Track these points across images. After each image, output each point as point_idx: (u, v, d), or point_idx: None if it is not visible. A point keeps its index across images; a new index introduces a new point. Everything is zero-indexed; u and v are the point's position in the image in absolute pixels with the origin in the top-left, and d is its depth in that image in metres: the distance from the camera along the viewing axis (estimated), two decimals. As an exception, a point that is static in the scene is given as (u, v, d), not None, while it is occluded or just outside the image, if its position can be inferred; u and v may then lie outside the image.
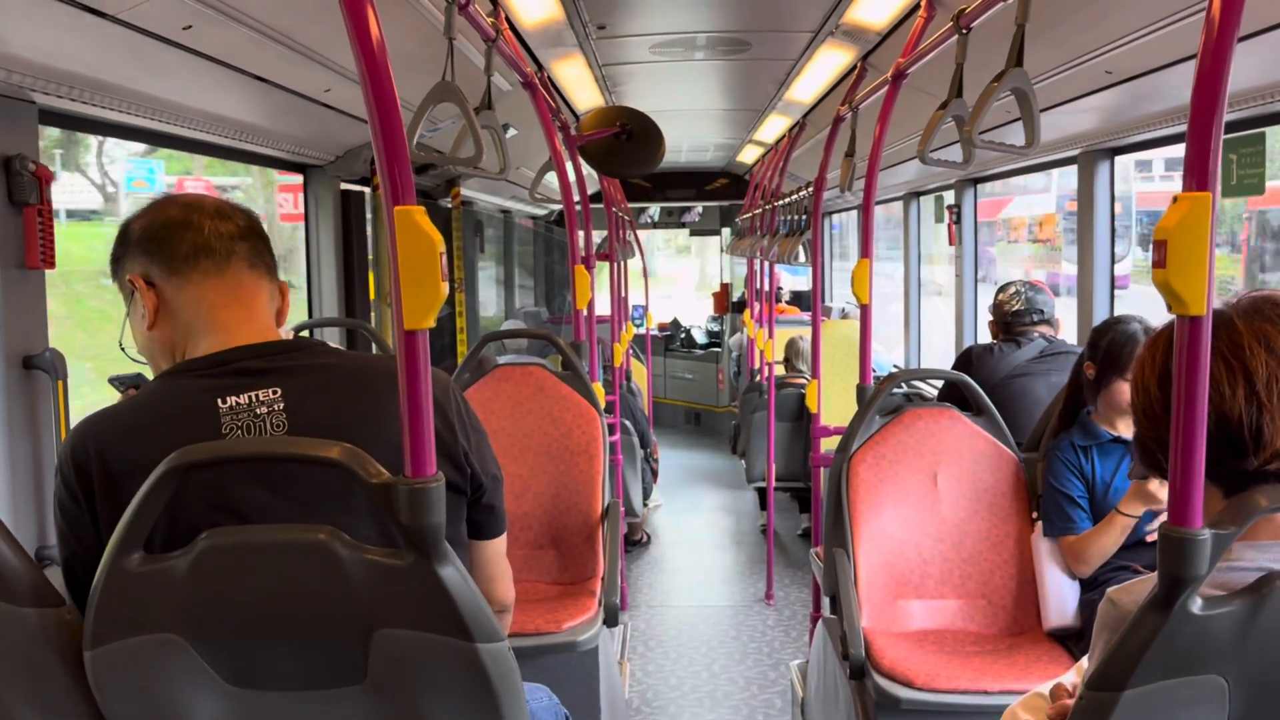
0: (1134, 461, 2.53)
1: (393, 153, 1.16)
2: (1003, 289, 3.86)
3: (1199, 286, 1.08)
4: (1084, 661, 1.44)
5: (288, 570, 1.28)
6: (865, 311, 3.39)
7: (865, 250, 3.34)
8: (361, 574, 1.26)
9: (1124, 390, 2.72)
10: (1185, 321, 1.09)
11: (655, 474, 7.06)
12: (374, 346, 3.83)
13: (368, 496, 1.23)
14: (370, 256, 4.40)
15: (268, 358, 1.48)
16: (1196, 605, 1.13)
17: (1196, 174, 1.08)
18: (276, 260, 1.61)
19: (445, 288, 1.17)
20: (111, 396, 1.97)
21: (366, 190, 4.20)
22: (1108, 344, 2.76)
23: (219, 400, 1.43)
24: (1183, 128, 3.10)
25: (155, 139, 2.85)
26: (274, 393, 1.44)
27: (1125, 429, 2.79)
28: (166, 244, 1.50)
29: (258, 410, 1.43)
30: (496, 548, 1.68)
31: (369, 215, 4.30)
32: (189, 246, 1.50)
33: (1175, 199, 1.09)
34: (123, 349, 1.60)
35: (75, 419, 2.32)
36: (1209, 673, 1.16)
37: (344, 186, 4.03)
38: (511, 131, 4.50)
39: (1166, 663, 1.15)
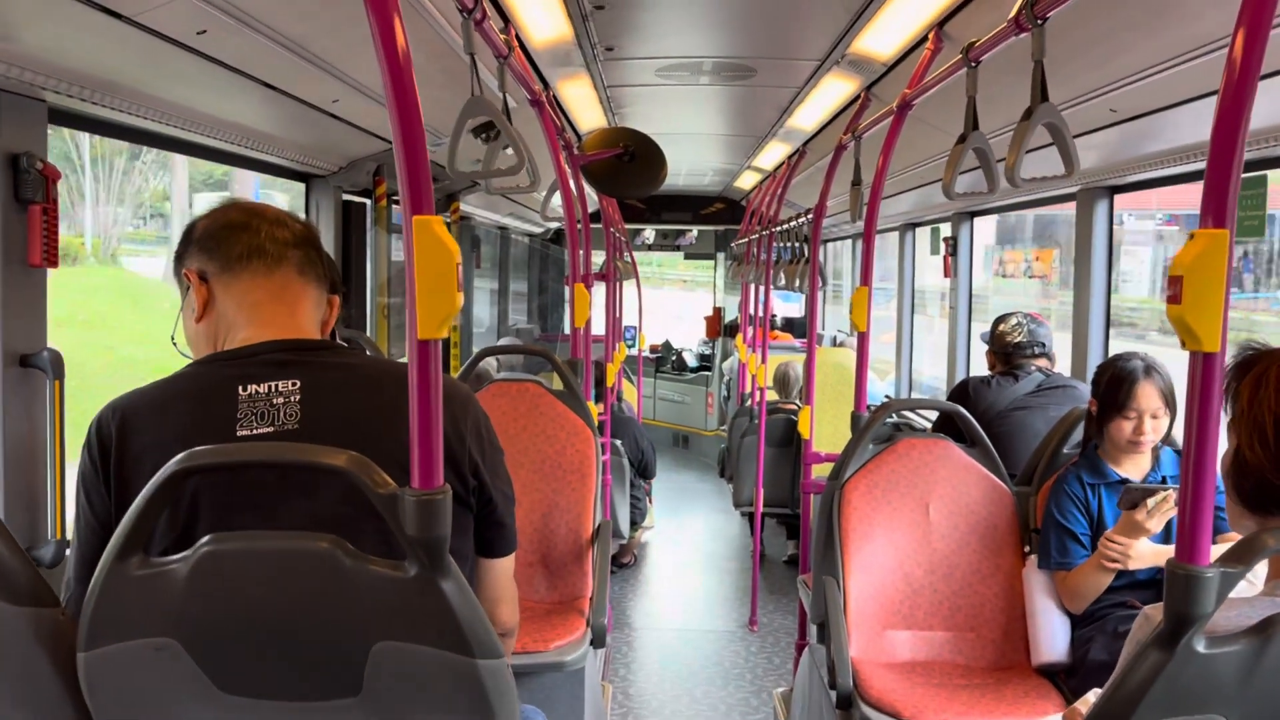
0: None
1: (413, 163, 1.16)
2: (1003, 319, 3.86)
3: (1214, 323, 1.08)
4: (1091, 696, 1.44)
5: (289, 578, 1.27)
6: (863, 339, 3.40)
7: (865, 278, 3.35)
8: (363, 585, 1.25)
9: (1123, 428, 2.73)
10: (1199, 358, 1.10)
11: (650, 497, 7.06)
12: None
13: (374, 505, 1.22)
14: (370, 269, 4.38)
15: (294, 352, 1.53)
16: (1201, 644, 1.13)
17: (1214, 211, 1.09)
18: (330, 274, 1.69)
19: (460, 298, 1.17)
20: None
21: (368, 201, 4.20)
22: (1107, 381, 2.76)
23: (240, 387, 1.48)
24: (1182, 168, 3.13)
25: (162, 143, 2.84)
26: (293, 384, 1.49)
27: (1129, 467, 2.80)
28: (224, 243, 1.58)
29: (274, 400, 1.47)
30: (504, 567, 1.68)
31: (369, 227, 4.30)
32: (243, 247, 1.58)
33: (1192, 235, 1.10)
34: (174, 342, 1.67)
35: (70, 420, 2.31)
36: (1210, 712, 1.16)
37: (345, 197, 4.02)
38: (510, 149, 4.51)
39: (1168, 700, 1.15)
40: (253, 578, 1.28)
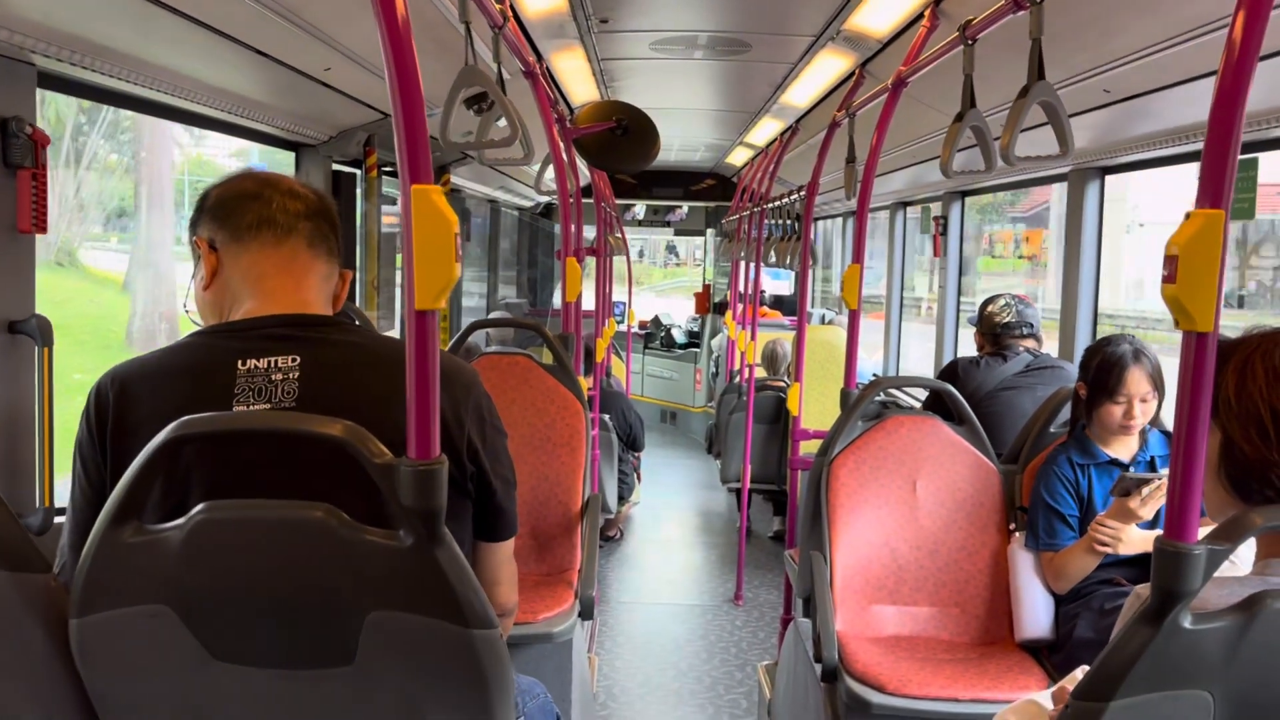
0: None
1: (413, 131, 1.15)
2: (991, 301, 3.88)
3: (1208, 303, 1.09)
4: (1079, 672, 1.45)
5: (283, 547, 1.27)
6: (854, 316, 3.40)
7: (857, 256, 3.36)
8: (358, 554, 1.25)
9: (1113, 412, 2.75)
10: (1192, 337, 1.10)
11: (639, 474, 7.07)
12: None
13: (371, 476, 1.23)
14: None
15: (295, 328, 1.51)
16: (1187, 620, 1.14)
17: (1211, 192, 1.09)
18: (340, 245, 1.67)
19: (458, 269, 1.17)
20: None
21: (358, 172, 4.17)
22: (1096, 366, 2.77)
23: (239, 361, 1.46)
24: (1174, 150, 3.13)
25: (151, 109, 2.81)
26: (292, 360, 1.47)
27: (1119, 449, 2.82)
28: (235, 212, 1.57)
29: (273, 376, 1.46)
30: (504, 551, 1.67)
31: (359, 197, 4.27)
32: (254, 217, 1.56)
33: (1188, 215, 1.10)
34: (185, 310, 1.65)
35: (60, 388, 2.30)
36: (1195, 688, 1.17)
37: (335, 167, 4.00)
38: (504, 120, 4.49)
39: (1154, 676, 1.16)
40: (247, 546, 1.28)
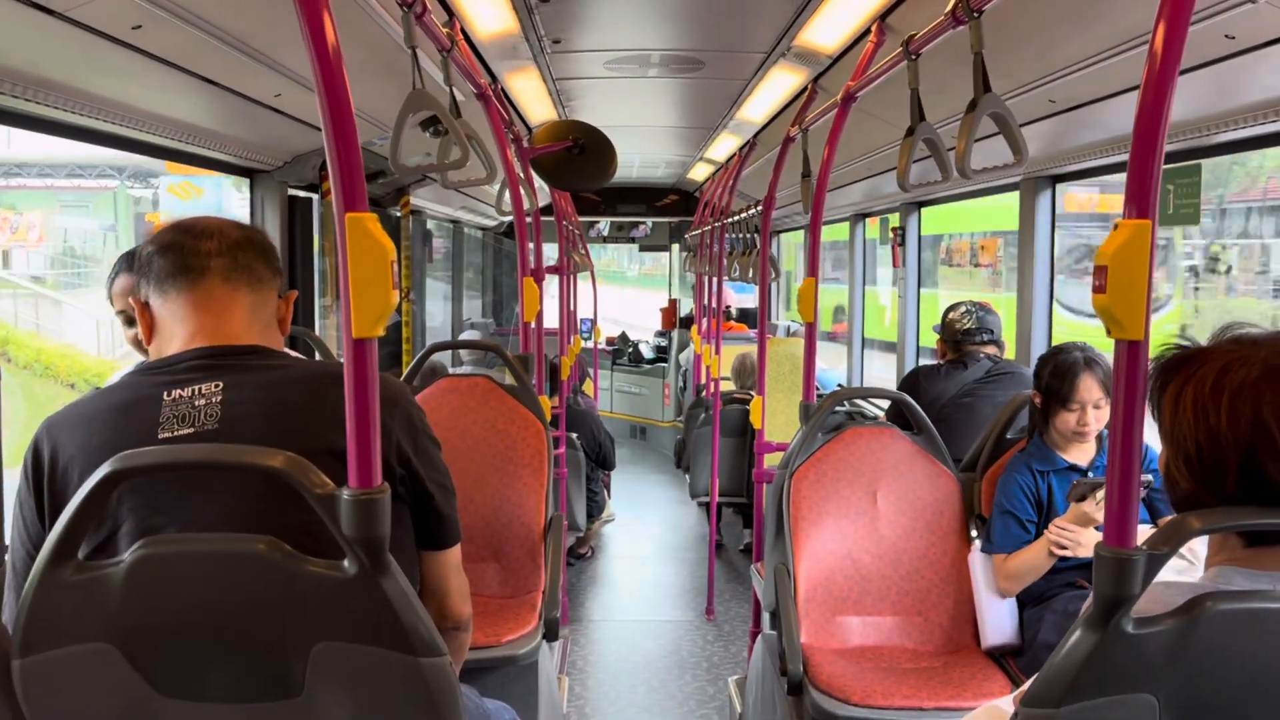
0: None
1: (345, 158, 1.15)
2: (953, 308, 3.91)
3: (1138, 312, 1.10)
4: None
5: (226, 581, 1.26)
6: (810, 329, 3.42)
7: (812, 269, 3.37)
8: (302, 585, 1.24)
9: (1067, 420, 2.78)
10: (1123, 345, 1.12)
11: (609, 490, 7.05)
12: (316, 355, 3.78)
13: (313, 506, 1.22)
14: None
15: (218, 358, 1.55)
16: (1129, 625, 1.15)
17: (1137, 202, 1.11)
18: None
19: (395, 296, 1.17)
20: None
21: (314, 196, 4.15)
22: (1049, 374, 2.81)
23: (165, 393, 1.50)
24: (1122, 157, 3.17)
25: (99, 139, 2.79)
26: (216, 386, 1.51)
27: (1076, 455, 2.85)
28: (153, 265, 1.63)
29: (196, 402, 1.49)
30: (449, 559, 1.67)
31: (316, 222, 4.25)
32: (170, 265, 1.62)
33: (1116, 225, 1.12)
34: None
35: (7, 426, 2.27)
36: (1140, 691, 1.18)
37: (291, 192, 3.97)
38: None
39: (1100, 681, 1.17)
40: (189, 581, 1.27)
